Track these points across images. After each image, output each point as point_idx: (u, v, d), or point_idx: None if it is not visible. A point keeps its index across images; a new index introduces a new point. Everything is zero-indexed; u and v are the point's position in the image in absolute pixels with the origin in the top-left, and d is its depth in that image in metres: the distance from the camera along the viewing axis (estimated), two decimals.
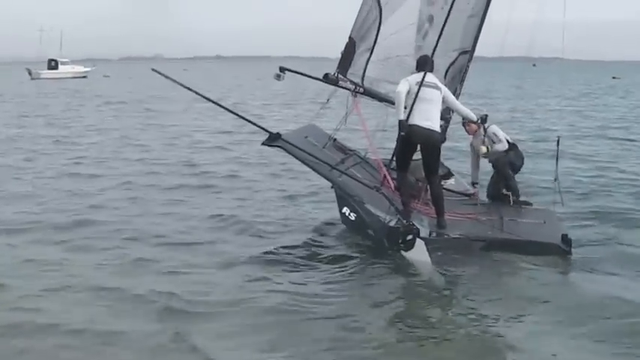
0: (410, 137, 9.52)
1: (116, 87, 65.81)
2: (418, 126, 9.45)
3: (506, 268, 9.09)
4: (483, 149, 11.15)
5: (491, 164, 11.53)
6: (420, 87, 9.56)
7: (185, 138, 23.05)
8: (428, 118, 9.51)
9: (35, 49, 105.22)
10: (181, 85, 10.03)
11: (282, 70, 11.13)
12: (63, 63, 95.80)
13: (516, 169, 11.50)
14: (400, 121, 9.47)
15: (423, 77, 9.63)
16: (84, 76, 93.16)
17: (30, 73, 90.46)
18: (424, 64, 9.87)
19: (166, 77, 10.01)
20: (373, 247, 9.45)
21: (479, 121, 10.74)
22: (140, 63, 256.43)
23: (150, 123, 28.53)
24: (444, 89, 9.90)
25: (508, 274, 8.93)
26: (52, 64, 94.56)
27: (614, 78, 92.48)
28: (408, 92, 9.54)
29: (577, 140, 22.39)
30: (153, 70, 10.34)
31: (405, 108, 9.53)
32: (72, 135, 24.28)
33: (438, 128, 9.68)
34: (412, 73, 10.22)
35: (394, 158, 10.21)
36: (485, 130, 11.17)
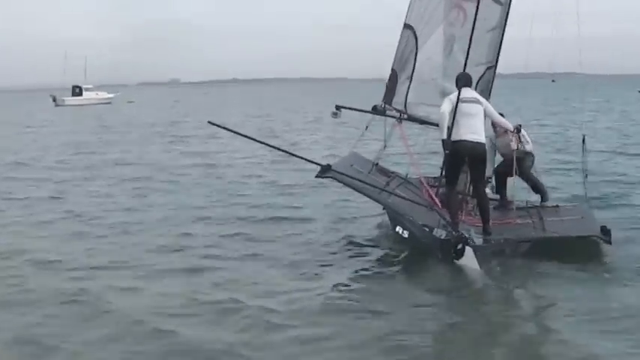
0: (458, 152, 10.06)
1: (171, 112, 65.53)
2: (465, 140, 10.00)
3: (550, 273, 9.48)
4: (514, 145, 11.64)
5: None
6: (457, 103, 10.07)
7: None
8: (473, 131, 10.06)
9: (59, 76, 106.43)
10: (239, 133, 11.07)
11: (338, 108, 12.00)
12: (87, 89, 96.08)
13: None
14: (443, 141, 10.05)
15: (459, 93, 10.16)
16: (108, 102, 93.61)
17: (54, 100, 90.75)
18: (461, 80, 10.40)
19: (224, 128, 10.93)
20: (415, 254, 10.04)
21: (515, 131, 11.35)
22: (158, 88, 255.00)
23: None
24: (485, 102, 10.45)
25: (553, 280, 9.27)
26: (77, 91, 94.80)
27: None
28: (451, 110, 10.09)
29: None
30: (209, 122, 11.11)
31: (448, 128, 10.10)
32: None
33: (483, 140, 10.22)
34: (444, 93, 11.18)
35: (443, 174, 10.83)
36: (519, 136, 11.74)
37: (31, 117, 60.55)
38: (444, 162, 10.63)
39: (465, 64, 10.60)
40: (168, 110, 69.98)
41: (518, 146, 11.74)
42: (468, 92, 10.31)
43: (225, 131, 11.17)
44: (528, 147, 12.05)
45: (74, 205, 15.19)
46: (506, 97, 41.56)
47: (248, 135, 11.05)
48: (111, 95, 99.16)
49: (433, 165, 13.27)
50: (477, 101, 10.31)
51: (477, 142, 10.07)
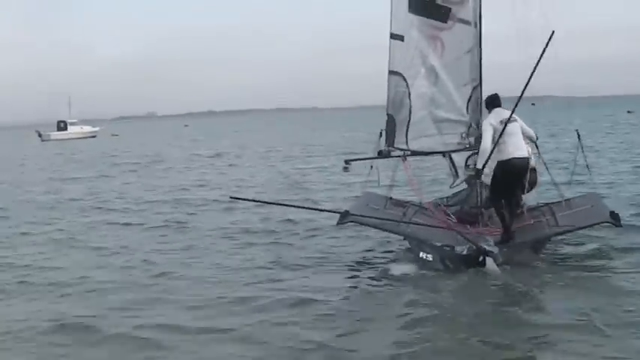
0: (512, 168, 11.06)
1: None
2: (515, 158, 11.00)
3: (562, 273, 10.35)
4: None
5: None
6: (506, 124, 10.91)
7: None
8: (519, 148, 11.08)
9: (44, 112, 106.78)
10: (259, 201, 13.06)
11: (347, 162, 12.88)
12: (72, 124, 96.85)
13: None
14: (478, 170, 11.25)
15: (510, 116, 11.01)
16: (93, 136, 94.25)
17: (40, 135, 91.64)
18: (497, 100, 11.47)
19: (246, 199, 13.13)
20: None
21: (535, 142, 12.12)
22: (136, 121, 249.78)
23: None
24: (519, 119, 11.31)
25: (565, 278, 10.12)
26: (62, 126, 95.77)
27: (629, 112, 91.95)
28: (493, 134, 11.02)
29: None
30: (231, 197, 12.35)
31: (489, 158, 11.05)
32: None
33: (527, 155, 11.24)
34: (436, 120, 12.55)
35: (491, 192, 11.53)
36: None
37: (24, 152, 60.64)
38: (467, 181, 12.00)
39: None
40: (156, 142, 70.52)
41: None
42: (505, 113, 11.19)
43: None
44: (532, 162, 12.29)
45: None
46: None
47: (269, 201, 12.73)
48: (95, 129, 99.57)
49: (438, 190, 14.05)
50: (515, 119, 11.19)
51: (524, 158, 11.12)
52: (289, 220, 15.40)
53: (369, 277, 10.92)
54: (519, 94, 11.11)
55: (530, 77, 10.71)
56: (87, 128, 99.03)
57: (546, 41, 10.45)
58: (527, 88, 11.01)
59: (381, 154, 12.94)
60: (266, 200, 12.28)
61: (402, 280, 10.49)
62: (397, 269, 10.91)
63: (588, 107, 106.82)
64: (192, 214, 18.31)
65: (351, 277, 10.99)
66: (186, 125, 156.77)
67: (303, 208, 13.07)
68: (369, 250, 12.62)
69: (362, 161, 13.17)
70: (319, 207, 12.08)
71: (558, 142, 31.44)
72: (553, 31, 10.40)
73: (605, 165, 25.11)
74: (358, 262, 11.81)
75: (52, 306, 10.11)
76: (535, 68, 10.62)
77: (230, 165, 34.83)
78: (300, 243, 13.60)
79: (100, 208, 20.60)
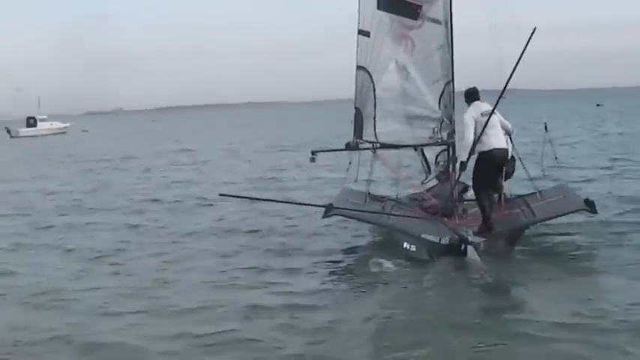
0: (494, 158, 11.53)
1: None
2: (496, 148, 11.50)
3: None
4: None
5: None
6: (490, 116, 11.28)
7: None
8: (499, 139, 11.60)
9: (12, 108, 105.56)
10: (246, 197, 13.56)
11: (314, 153, 13.18)
12: (41, 120, 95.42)
13: None
14: (462, 163, 11.61)
15: (494, 109, 11.38)
16: (63, 132, 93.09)
17: (9, 132, 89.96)
18: (476, 94, 11.92)
19: (234, 196, 13.22)
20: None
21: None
22: (103, 117, 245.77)
23: None
24: (497, 112, 11.63)
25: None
26: (31, 122, 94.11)
27: (598, 105, 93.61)
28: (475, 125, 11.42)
29: None
30: (220, 194, 12.63)
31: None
32: None
33: (506, 146, 11.71)
34: (408, 115, 12.79)
35: (474, 182, 11.96)
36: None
37: None
38: (438, 177, 12.63)
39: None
40: (126, 138, 69.79)
41: None
42: (486, 106, 11.68)
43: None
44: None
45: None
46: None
47: (255, 197, 13.29)
48: (66, 125, 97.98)
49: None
50: (495, 112, 11.55)
51: (504, 149, 11.67)
52: (267, 217, 15.42)
53: (348, 274, 11.12)
54: (494, 87, 11.45)
55: (513, 72, 10.81)
56: (57, 124, 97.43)
57: (528, 37, 10.56)
58: (501, 81, 11.18)
59: (348, 146, 13.14)
60: (252, 196, 12.46)
61: (382, 275, 10.64)
62: (376, 264, 11.08)
63: (555, 100, 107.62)
64: (160, 212, 18.42)
65: (330, 274, 11.09)
66: (153, 120, 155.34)
67: (288, 203, 13.53)
68: (345, 247, 12.75)
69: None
70: (302, 202, 12.41)
71: (531, 135, 31.92)
72: (535, 28, 10.58)
73: (579, 158, 25.63)
74: (335, 261, 11.87)
75: (23, 315, 9.80)
76: (517, 63, 10.77)
77: (202, 161, 34.67)
78: (279, 240, 13.55)
79: (72, 207, 20.25)
